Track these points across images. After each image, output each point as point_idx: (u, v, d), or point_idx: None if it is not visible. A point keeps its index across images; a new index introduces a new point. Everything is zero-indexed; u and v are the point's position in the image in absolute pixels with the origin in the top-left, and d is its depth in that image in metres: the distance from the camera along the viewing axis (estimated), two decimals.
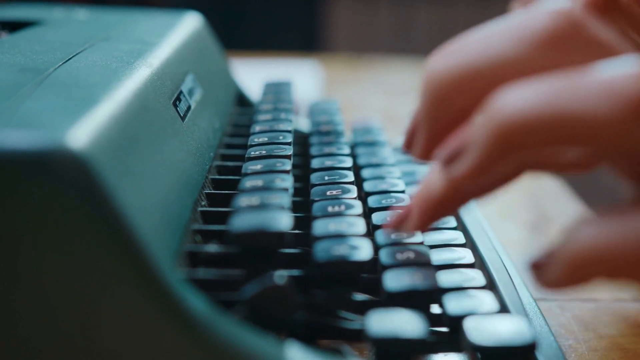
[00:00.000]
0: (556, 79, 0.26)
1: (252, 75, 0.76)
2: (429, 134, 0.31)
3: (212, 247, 0.36)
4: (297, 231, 0.39)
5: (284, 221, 0.33)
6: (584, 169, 0.31)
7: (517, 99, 0.26)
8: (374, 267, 0.36)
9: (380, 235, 0.39)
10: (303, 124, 0.58)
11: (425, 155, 0.32)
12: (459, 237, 0.41)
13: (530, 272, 0.28)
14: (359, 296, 0.36)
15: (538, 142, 0.26)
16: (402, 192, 0.44)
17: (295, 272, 0.36)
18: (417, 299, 0.34)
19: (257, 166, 0.40)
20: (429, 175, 0.33)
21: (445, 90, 0.29)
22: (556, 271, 0.26)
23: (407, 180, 0.49)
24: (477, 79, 0.28)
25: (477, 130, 0.27)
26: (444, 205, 0.32)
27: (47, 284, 0.29)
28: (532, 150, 0.26)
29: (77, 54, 0.42)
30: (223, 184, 0.43)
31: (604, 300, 0.47)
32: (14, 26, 0.53)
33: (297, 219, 0.39)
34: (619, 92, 0.24)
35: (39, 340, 0.29)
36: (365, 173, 0.47)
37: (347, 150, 0.47)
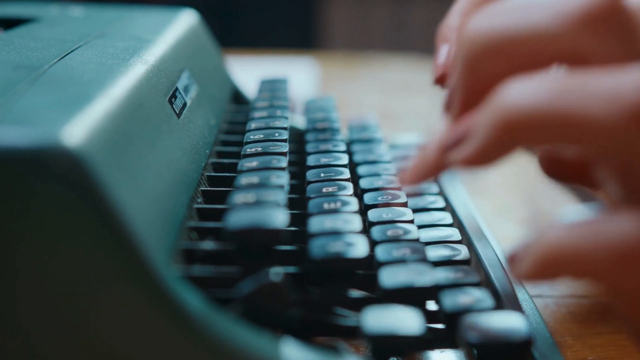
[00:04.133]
0: (564, 76, 0.26)
1: (248, 72, 0.75)
2: (463, 97, 0.31)
3: (208, 244, 0.35)
4: (292, 228, 0.39)
5: (279, 218, 0.33)
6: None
7: (522, 93, 0.26)
8: (370, 264, 0.36)
9: (376, 232, 0.39)
10: (299, 121, 0.58)
11: (461, 115, 0.32)
12: (454, 233, 0.42)
13: (507, 262, 0.29)
14: (355, 293, 0.36)
15: (538, 137, 0.26)
16: (399, 189, 0.44)
17: (291, 269, 0.36)
18: (413, 296, 0.34)
19: (253, 163, 0.40)
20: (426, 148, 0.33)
21: (479, 54, 0.29)
22: (528, 264, 0.27)
23: None
24: (512, 47, 0.28)
25: (481, 119, 0.27)
26: (433, 172, 0.33)
27: (44, 281, 0.29)
28: (532, 143, 0.27)
29: (72, 51, 0.41)
30: (219, 181, 0.43)
31: (600, 297, 0.47)
32: (9, 23, 0.53)
33: (293, 216, 0.39)
34: (623, 98, 0.25)
35: (36, 336, 0.29)
36: (361, 170, 0.47)
37: (343, 148, 0.47)
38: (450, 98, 0.32)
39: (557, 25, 0.27)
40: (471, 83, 0.30)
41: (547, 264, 0.26)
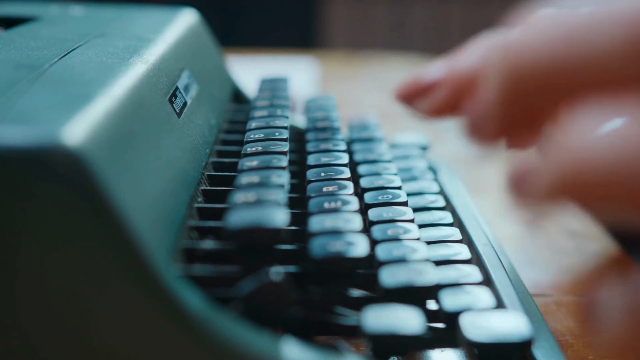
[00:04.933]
0: (632, 126, 0.21)
1: (249, 71, 0.75)
2: (500, 124, 0.27)
3: (208, 244, 0.35)
4: (293, 227, 0.39)
5: (280, 217, 0.33)
6: None
7: (589, 149, 0.22)
8: (370, 263, 0.36)
9: (376, 231, 0.39)
10: (299, 121, 0.58)
11: (493, 142, 0.28)
12: (455, 233, 0.42)
13: (511, 181, 0.25)
14: (355, 292, 0.36)
15: (602, 202, 0.22)
16: (399, 188, 0.44)
17: (291, 269, 0.36)
18: (414, 295, 0.34)
19: (253, 162, 0.40)
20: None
21: (525, 87, 0.25)
22: (544, 181, 0.23)
23: (403, 177, 0.49)
24: (564, 81, 0.23)
25: (544, 167, 0.24)
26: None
27: (44, 280, 0.29)
28: (596, 206, 0.23)
29: (72, 50, 0.41)
30: (219, 180, 0.43)
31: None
32: (9, 22, 0.53)
33: (293, 215, 0.39)
34: None
35: (36, 335, 0.29)
36: (362, 169, 0.47)
37: (343, 147, 0.47)
38: (479, 122, 0.28)
39: (618, 53, 0.22)
40: (511, 115, 0.26)
41: (569, 184, 0.22)
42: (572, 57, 0.23)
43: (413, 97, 0.29)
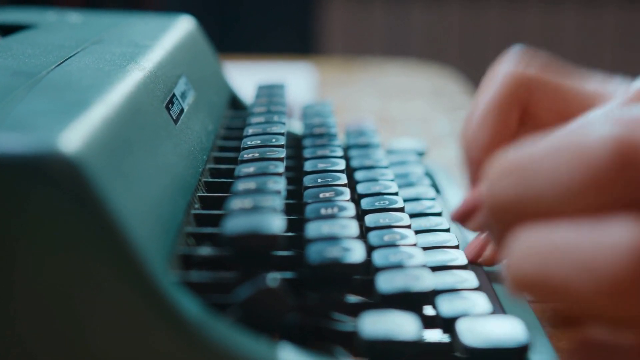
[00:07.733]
0: (560, 235, 0.26)
1: (246, 77, 0.76)
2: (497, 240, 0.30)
3: (205, 250, 0.36)
4: (290, 233, 0.39)
5: (276, 224, 0.33)
6: None
7: (522, 259, 0.26)
8: (367, 269, 0.37)
9: (373, 237, 0.39)
10: (296, 127, 0.58)
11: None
12: (451, 239, 0.42)
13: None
14: (352, 298, 0.36)
15: (538, 296, 0.27)
16: (396, 194, 0.44)
17: (288, 275, 0.36)
18: (410, 301, 0.34)
19: (250, 169, 0.40)
20: None
21: (502, 214, 0.28)
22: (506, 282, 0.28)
23: (400, 183, 0.49)
24: (533, 209, 0.27)
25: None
26: None
27: (42, 286, 0.29)
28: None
29: (69, 57, 0.42)
30: (216, 186, 0.43)
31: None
32: (7, 30, 0.53)
33: (290, 221, 0.39)
34: (601, 267, 0.24)
35: (34, 341, 0.29)
36: (359, 175, 0.47)
37: (340, 153, 0.47)
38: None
39: (565, 193, 0.26)
40: (499, 229, 0.29)
41: (522, 288, 0.27)
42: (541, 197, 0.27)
43: (464, 218, 0.39)
